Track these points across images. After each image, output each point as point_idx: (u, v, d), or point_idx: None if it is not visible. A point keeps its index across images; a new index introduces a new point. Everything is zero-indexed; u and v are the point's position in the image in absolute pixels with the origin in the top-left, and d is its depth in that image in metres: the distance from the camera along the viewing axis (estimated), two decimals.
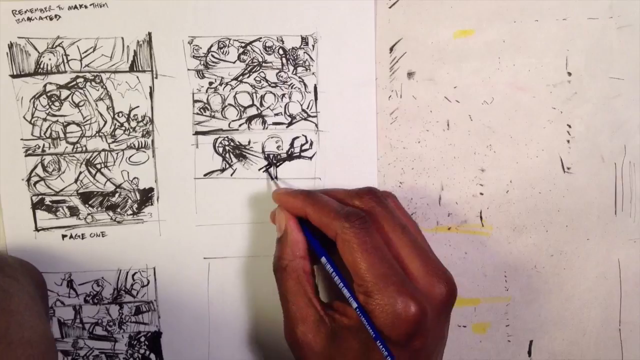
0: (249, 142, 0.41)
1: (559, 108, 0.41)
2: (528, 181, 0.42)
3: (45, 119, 0.39)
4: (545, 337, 0.43)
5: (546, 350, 0.44)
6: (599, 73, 0.41)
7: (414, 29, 0.40)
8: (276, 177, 0.41)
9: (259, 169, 0.41)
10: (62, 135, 0.39)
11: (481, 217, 0.42)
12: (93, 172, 0.40)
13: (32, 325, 0.33)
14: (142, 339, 0.41)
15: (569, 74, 0.41)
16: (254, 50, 0.40)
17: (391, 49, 0.40)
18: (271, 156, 0.41)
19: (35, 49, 0.39)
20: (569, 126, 0.42)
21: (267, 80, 0.40)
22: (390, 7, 0.40)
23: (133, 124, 0.40)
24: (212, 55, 0.40)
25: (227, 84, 0.40)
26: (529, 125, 0.41)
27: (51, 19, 0.38)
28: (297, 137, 0.41)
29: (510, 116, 0.41)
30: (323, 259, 0.36)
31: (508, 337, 0.43)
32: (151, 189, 0.40)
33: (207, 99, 0.40)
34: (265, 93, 0.40)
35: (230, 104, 0.40)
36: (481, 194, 0.42)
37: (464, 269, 0.42)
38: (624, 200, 0.42)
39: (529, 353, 0.44)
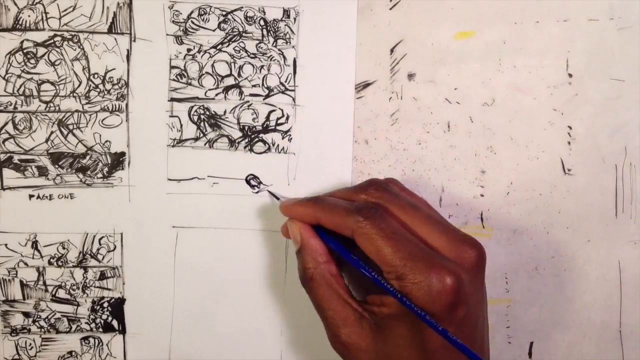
0: (225, 112, 0.40)
1: (560, 109, 0.41)
2: (529, 183, 0.42)
3: (19, 76, 0.39)
4: (546, 339, 0.43)
5: (547, 352, 0.43)
6: (600, 74, 0.41)
7: (415, 30, 0.40)
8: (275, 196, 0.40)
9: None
10: (35, 93, 0.39)
11: (482, 219, 0.42)
12: (65, 132, 0.39)
13: None
14: (105, 304, 0.41)
15: (570, 75, 0.41)
16: (234, 20, 0.40)
17: (392, 51, 0.40)
18: (246, 128, 0.40)
19: (15, 4, 0.38)
20: (570, 128, 0.42)
21: (246, 51, 0.40)
22: (390, 9, 0.40)
23: (108, 86, 0.39)
24: (192, 22, 0.40)
25: (205, 51, 0.40)
26: (530, 126, 0.41)
27: None
28: (274, 110, 0.40)
29: (510, 118, 0.41)
30: (347, 258, 0.35)
31: (509, 338, 0.43)
32: (123, 154, 0.40)
33: (185, 66, 0.40)
34: (244, 64, 0.40)
35: (207, 73, 0.40)
36: (482, 195, 0.42)
37: None
38: (625, 202, 0.42)
39: (530, 354, 0.43)
